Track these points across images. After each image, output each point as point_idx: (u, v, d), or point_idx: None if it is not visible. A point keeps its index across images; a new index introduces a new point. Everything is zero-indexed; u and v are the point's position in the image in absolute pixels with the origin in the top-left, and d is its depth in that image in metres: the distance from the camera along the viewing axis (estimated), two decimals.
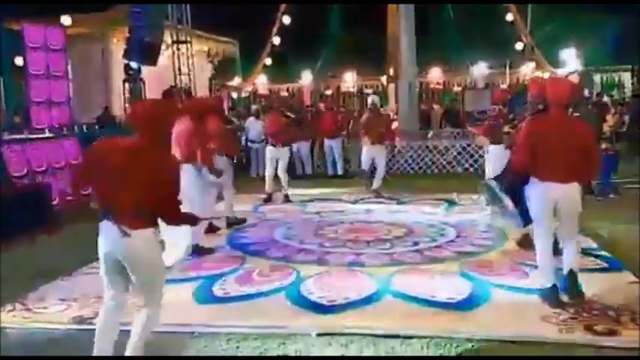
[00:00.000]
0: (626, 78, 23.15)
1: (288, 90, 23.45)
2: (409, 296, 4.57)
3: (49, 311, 4.51)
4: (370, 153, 9.46)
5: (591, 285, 4.65)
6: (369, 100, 10.17)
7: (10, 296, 4.75)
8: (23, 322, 4.34)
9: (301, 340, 3.86)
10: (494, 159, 6.69)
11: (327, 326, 4.02)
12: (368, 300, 4.54)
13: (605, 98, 18.38)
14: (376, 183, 9.48)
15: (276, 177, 9.21)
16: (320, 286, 4.90)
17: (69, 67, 10.76)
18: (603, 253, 5.64)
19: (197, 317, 4.30)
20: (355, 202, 8.99)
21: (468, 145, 12.01)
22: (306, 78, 22.50)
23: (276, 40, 23.52)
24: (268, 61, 23.87)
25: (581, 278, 4.81)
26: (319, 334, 3.90)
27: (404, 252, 5.96)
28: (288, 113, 11.47)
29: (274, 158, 9.14)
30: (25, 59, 9.71)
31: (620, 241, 6.11)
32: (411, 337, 3.82)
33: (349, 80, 22.18)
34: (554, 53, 21.77)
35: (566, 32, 20.76)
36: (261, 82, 23.74)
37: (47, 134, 9.68)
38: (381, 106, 12.76)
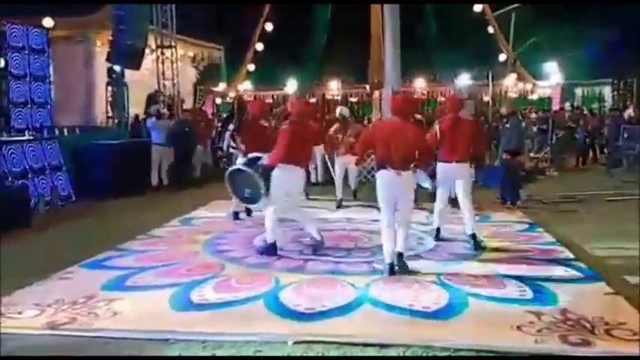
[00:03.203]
0: (607, 91, 23.62)
1: (272, 97, 23.44)
2: (387, 305, 4.57)
3: (22, 316, 4.44)
4: (343, 163, 9.40)
5: (566, 295, 4.71)
6: (337, 111, 10.08)
7: None
8: None
9: (277, 348, 3.85)
10: None
11: (305, 334, 4.01)
12: (346, 308, 4.52)
13: (585, 111, 18.76)
14: (353, 185, 9.83)
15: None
16: (299, 293, 4.88)
17: (51, 69, 10.63)
18: (579, 263, 5.69)
19: (173, 324, 4.24)
20: (337, 208, 8.99)
21: None
22: (291, 85, 22.48)
23: (259, 47, 23.52)
24: (252, 67, 23.89)
25: (557, 288, 4.89)
26: (296, 342, 3.89)
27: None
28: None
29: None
30: (6, 60, 9.57)
31: (596, 252, 6.18)
32: (387, 346, 3.82)
33: (334, 88, 22.22)
34: (537, 66, 22.08)
35: (548, 45, 21.07)
36: (245, 88, 23.69)
37: (27, 136, 9.55)
38: (364, 115, 12.73)
